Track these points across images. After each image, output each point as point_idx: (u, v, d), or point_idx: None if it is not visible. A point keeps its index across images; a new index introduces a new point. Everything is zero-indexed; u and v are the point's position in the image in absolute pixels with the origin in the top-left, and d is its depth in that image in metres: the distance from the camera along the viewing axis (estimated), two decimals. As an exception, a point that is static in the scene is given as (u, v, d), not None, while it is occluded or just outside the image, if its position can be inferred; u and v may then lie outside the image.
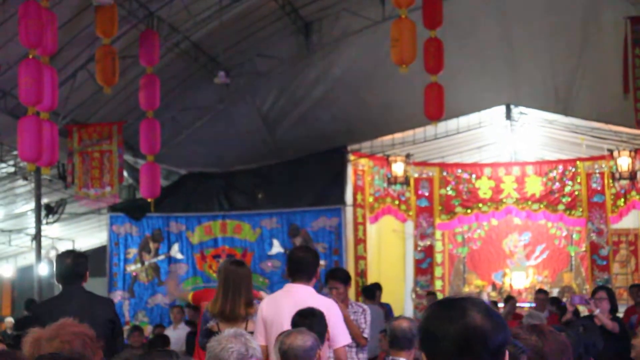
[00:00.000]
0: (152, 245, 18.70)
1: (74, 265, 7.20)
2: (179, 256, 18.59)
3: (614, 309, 10.60)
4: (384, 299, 17.70)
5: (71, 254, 7.62)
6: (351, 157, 18.43)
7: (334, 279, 8.90)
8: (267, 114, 19.46)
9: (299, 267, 6.96)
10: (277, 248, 18.33)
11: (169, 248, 18.69)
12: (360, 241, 18.46)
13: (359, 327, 8.64)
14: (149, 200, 16.47)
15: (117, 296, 18.23)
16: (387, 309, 14.92)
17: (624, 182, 17.92)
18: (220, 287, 7.36)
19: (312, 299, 6.73)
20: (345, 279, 9.00)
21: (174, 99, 18.47)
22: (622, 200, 18.32)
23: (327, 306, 6.60)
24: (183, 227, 18.71)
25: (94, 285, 8.38)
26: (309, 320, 6.20)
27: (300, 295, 6.75)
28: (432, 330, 2.46)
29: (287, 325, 6.25)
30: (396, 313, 17.59)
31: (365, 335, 8.67)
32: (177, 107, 18.77)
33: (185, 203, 18.87)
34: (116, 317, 7.25)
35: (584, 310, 12.07)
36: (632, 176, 17.74)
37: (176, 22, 16.65)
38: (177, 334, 14.39)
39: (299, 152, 18.42)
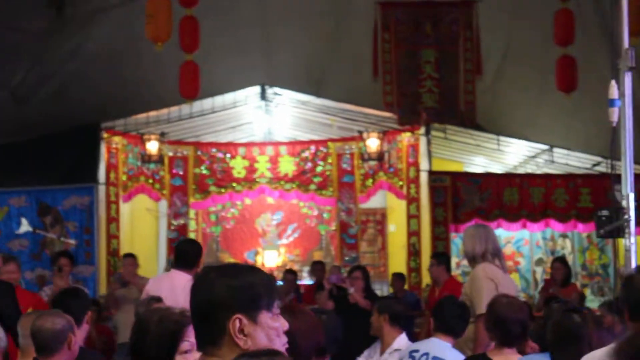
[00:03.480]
0: None
1: None
2: None
3: (367, 288, 11.06)
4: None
5: None
6: (105, 134, 18.12)
7: None
8: (17, 88, 18.80)
9: (181, 257, 8.12)
10: (25, 227, 17.77)
11: None
12: (112, 220, 18.22)
13: None
14: None
15: None
16: None
17: (372, 163, 18.51)
18: None
19: (188, 284, 7.28)
20: None
21: None
22: (371, 180, 18.92)
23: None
24: None
25: None
26: (69, 301, 6.16)
27: (178, 280, 7.73)
28: None
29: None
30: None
31: None
32: None
33: None
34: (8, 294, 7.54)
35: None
36: (380, 157, 18.34)
37: None
38: None
39: (51, 128, 17.91)
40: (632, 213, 5.73)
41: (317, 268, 15.49)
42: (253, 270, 2.97)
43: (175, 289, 7.59)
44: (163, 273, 8.27)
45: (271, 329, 2.82)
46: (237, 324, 2.78)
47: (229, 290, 2.83)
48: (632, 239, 5.76)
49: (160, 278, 8.30)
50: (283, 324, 2.87)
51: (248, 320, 2.80)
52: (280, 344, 2.85)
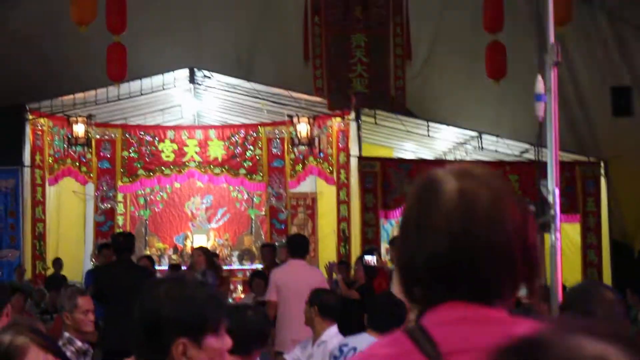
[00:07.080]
0: None
1: (125, 242, 10.25)
2: None
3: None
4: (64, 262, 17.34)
5: (123, 234, 11.88)
6: (30, 116, 17.78)
7: None
8: (-61, 68, 18.42)
9: (296, 248, 9.80)
10: (-54, 210, 17.47)
11: None
12: (38, 203, 17.91)
13: None
14: None
15: None
16: None
17: (302, 148, 18.39)
18: None
19: (307, 268, 9.79)
20: None
21: None
22: (301, 165, 18.82)
23: (317, 274, 9.80)
24: None
25: None
26: None
27: (300, 266, 9.63)
28: None
29: (295, 287, 9.10)
30: (80, 277, 17.29)
31: None
32: None
33: None
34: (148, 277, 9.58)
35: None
36: (310, 142, 18.23)
37: None
38: None
39: (-27, 109, 17.57)
40: (557, 208, 5.71)
41: (266, 251, 14.05)
42: (201, 289, 2.84)
43: (300, 274, 9.36)
44: (284, 264, 10.27)
45: (215, 351, 2.72)
46: (181, 348, 2.67)
47: (175, 311, 2.71)
48: (557, 235, 5.75)
49: (283, 268, 9.88)
50: (227, 342, 2.77)
51: (192, 345, 2.68)
52: None
